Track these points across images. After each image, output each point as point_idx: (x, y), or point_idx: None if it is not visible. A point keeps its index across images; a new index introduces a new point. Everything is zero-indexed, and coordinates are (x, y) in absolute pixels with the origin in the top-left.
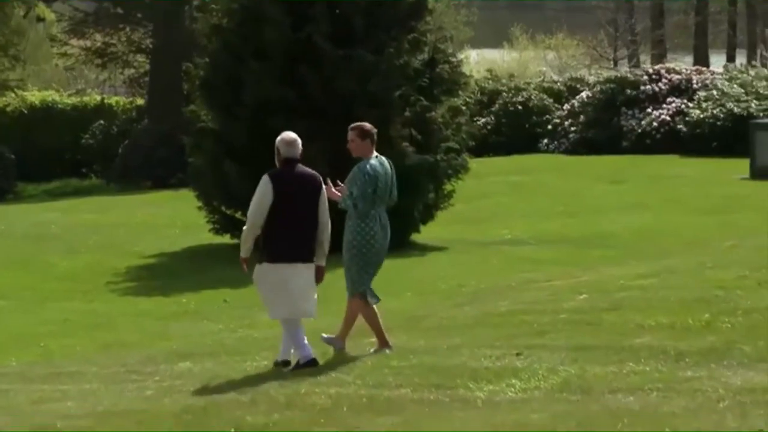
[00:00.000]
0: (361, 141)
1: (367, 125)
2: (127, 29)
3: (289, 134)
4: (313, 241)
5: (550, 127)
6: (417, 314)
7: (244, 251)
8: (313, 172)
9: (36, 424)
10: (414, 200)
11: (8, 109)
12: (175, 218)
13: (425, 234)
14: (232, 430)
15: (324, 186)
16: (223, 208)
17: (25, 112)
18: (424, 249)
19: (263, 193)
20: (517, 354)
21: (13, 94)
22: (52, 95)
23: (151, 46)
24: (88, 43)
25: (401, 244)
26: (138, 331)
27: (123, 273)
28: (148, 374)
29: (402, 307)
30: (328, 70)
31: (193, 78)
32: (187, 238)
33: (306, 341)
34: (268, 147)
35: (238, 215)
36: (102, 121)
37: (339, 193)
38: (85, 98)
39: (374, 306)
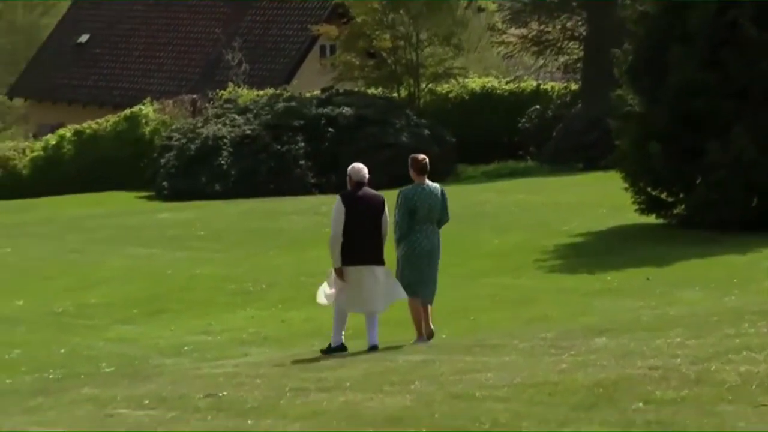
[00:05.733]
0: (411, 169)
1: (419, 157)
2: (562, 17)
3: (358, 164)
4: (380, 247)
5: None
6: None
7: (336, 261)
8: (377, 193)
9: (455, 392)
10: None
11: (450, 95)
12: (602, 199)
13: None
14: (641, 404)
15: (386, 205)
16: (649, 189)
17: (466, 98)
18: None
19: (338, 209)
20: None
21: (455, 81)
22: (491, 81)
23: (584, 33)
24: (525, 32)
25: None
26: (560, 307)
27: (550, 251)
28: (564, 348)
29: None
30: (751, 53)
31: (621, 63)
32: (614, 217)
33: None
34: (691, 129)
35: (663, 196)
36: (537, 106)
37: None
38: (522, 84)
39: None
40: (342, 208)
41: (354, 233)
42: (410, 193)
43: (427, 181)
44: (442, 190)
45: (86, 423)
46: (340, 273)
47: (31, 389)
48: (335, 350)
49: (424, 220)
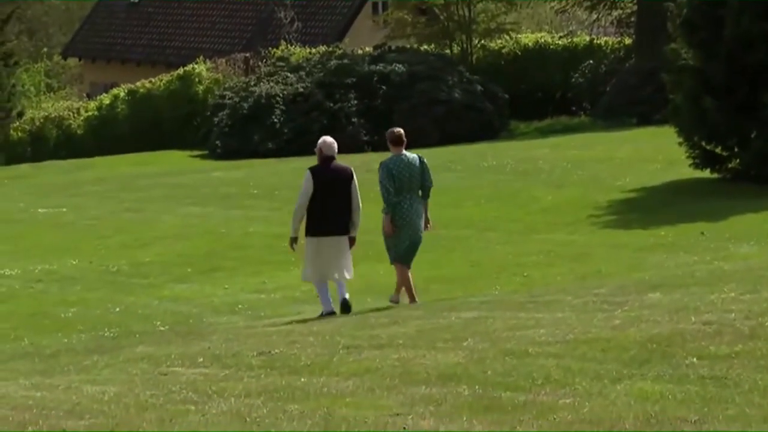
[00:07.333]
0: (388, 142)
1: (395, 130)
2: None
3: (329, 138)
4: (347, 218)
5: None
6: None
7: (293, 231)
8: (346, 166)
9: (508, 349)
10: None
11: (503, 50)
12: (656, 154)
13: None
14: (694, 359)
15: (354, 176)
16: (703, 144)
17: (519, 53)
18: None
19: (307, 183)
20: None
21: (507, 37)
22: (544, 37)
23: None
24: None
25: None
26: (614, 262)
27: (604, 206)
28: (618, 304)
29: None
30: None
31: (675, 17)
32: (668, 172)
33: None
34: (747, 82)
35: (718, 150)
36: (591, 61)
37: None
38: (576, 39)
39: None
40: (311, 183)
41: (324, 206)
42: (388, 163)
43: (405, 152)
44: (420, 158)
45: (141, 381)
46: (294, 242)
47: (87, 348)
48: (327, 316)
49: (405, 190)
